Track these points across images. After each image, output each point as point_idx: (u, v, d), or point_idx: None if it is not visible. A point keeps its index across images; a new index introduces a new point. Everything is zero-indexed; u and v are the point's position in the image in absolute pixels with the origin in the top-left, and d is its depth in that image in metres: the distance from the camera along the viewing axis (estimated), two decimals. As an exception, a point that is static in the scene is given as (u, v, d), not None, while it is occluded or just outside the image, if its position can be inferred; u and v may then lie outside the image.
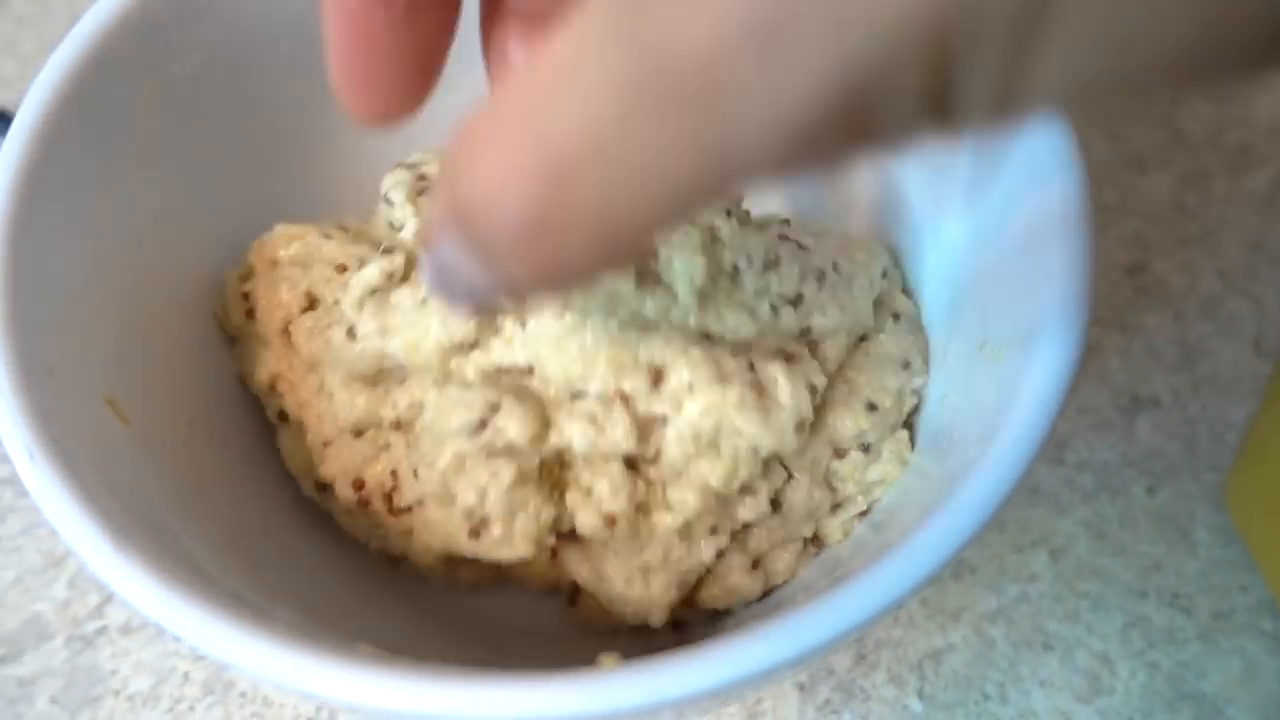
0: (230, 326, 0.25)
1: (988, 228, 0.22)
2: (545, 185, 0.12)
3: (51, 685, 0.28)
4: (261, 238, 0.25)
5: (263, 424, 0.26)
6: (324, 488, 0.23)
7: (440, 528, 0.21)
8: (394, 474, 0.22)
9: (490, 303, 0.15)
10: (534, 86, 0.13)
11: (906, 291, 0.25)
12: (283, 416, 0.24)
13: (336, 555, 0.24)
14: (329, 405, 0.23)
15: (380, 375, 0.23)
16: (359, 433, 0.23)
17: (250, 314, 0.24)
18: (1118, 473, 0.30)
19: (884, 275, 0.25)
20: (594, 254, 0.13)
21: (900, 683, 0.27)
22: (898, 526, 0.20)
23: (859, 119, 0.11)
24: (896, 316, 0.25)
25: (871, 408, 0.23)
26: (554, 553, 0.23)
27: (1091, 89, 0.11)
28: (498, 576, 0.24)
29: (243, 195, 0.26)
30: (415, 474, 0.22)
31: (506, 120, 0.13)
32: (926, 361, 0.24)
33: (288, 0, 0.25)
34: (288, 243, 0.24)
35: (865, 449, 0.23)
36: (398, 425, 0.23)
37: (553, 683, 0.15)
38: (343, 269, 0.24)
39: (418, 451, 0.22)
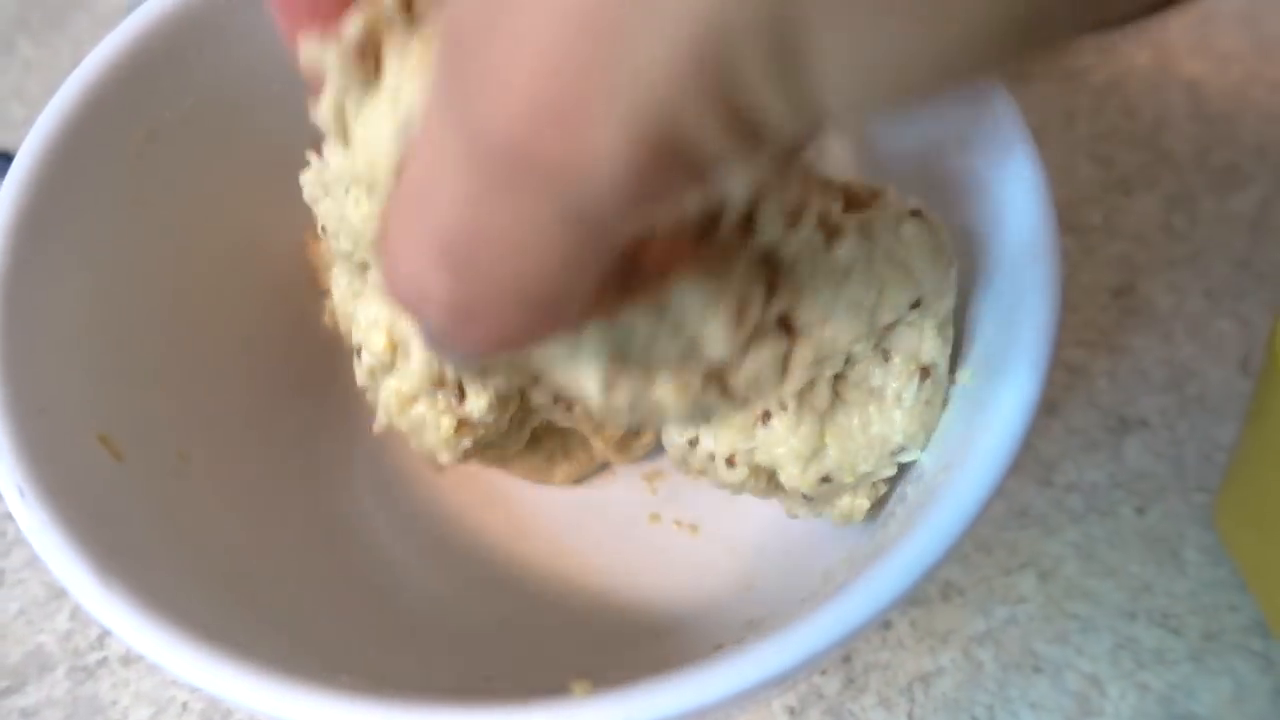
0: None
1: (966, 255, 0.22)
2: (451, 274, 0.13)
3: (53, 716, 0.29)
4: None
5: (257, 454, 0.26)
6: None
7: None
8: None
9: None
10: (414, 179, 0.14)
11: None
12: None
13: (326, 585, 0.24)
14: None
15: None
16: None
17: None
18: (1106, 494, 0.30)
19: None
20: (526, 324, 0.14)
21: (890, 705, 0.27)
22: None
23: (675, 159, 0.12)
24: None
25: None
26: None
27: (878, 92, 0.11)
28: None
29: (235, 234, 0.26)
30: None
31: (405, 214, 0.14)
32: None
33: (275, 42, 0.26)
34: None
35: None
36: None
37: (526, 711, 0.16)
38: None
39: None
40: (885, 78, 0.11)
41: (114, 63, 0.23)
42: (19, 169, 0.22)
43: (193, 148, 0.25)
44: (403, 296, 0.14)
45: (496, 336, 0.14)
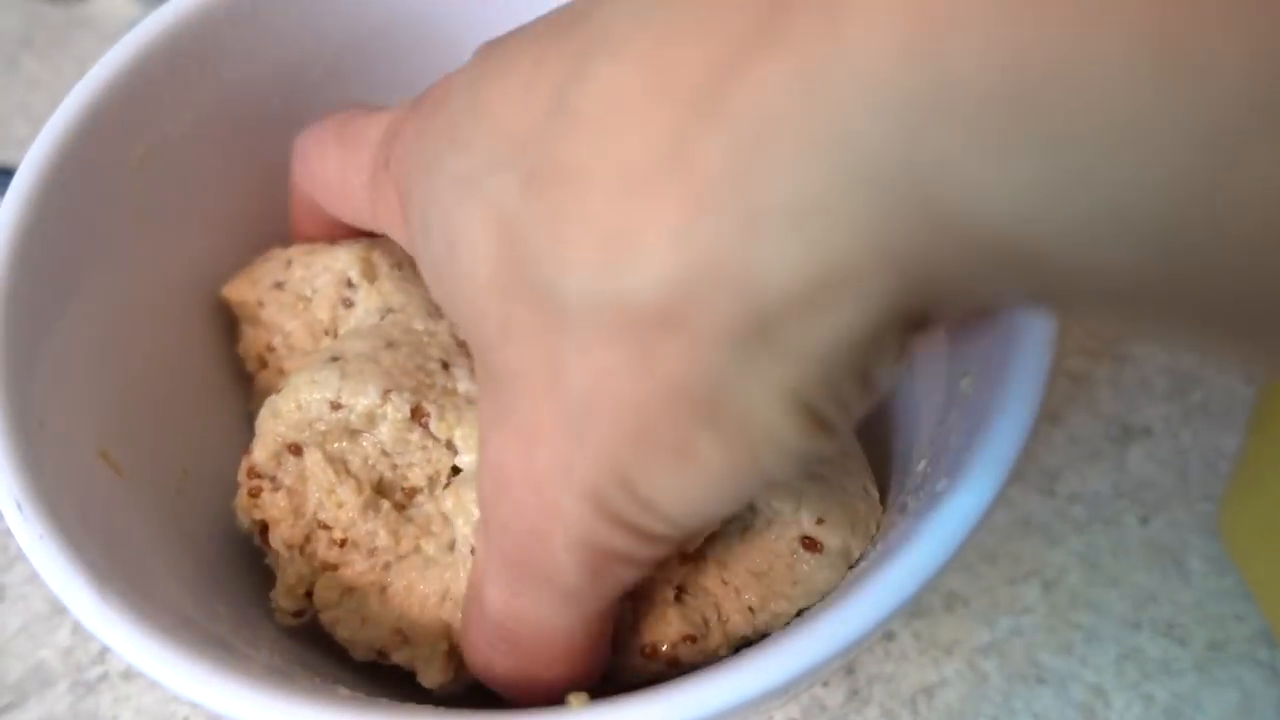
0: None
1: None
2: (502, 653, 0.19)
3: (55, 732, 0.28)
4: None
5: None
6: None
7: None
8: None
9: None
10: (474, 583, 0.20)
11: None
12: None
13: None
14: None
15: None
16: None
17: None
18: (1110, 503, 0.30)
19: None
20: (559, 680, 0.19)
21: (893, 717, 0.27)
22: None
23: (611, 558, 0.17)
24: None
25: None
26: None
27: (705, 518, 0.17)
28: None
29: (238, 251, 0.27)
30: None
31: (469, 612, 0.20)
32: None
33: (277, 58, 0.26)
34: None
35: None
36: None
37: (523, 723, 0.16)
38: None
39: None
40: (700, 501, 0.16)
41: (115, 79, 0.23)
42: (20, 184, 0.22)
43: (193, 164, 0.25)
44: (479, 674, 0.20)
45: (539, 691, 0.20)
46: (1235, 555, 0.28)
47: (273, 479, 0.22)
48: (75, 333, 0.22)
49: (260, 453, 0.22)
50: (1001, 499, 0.30)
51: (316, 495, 0.21)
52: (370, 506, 0.21)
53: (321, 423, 0.21)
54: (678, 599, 0.21)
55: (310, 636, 0.22)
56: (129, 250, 0.24)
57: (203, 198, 0.25)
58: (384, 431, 0.21)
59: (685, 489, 0.15)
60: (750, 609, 0.21)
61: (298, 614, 0.22)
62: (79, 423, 0.21)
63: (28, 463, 0.19)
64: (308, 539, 0.22)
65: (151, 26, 0.24)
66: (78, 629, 0.30)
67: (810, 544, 0.21)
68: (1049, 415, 0.32)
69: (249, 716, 0.16)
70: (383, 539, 0.21)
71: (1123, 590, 0.29)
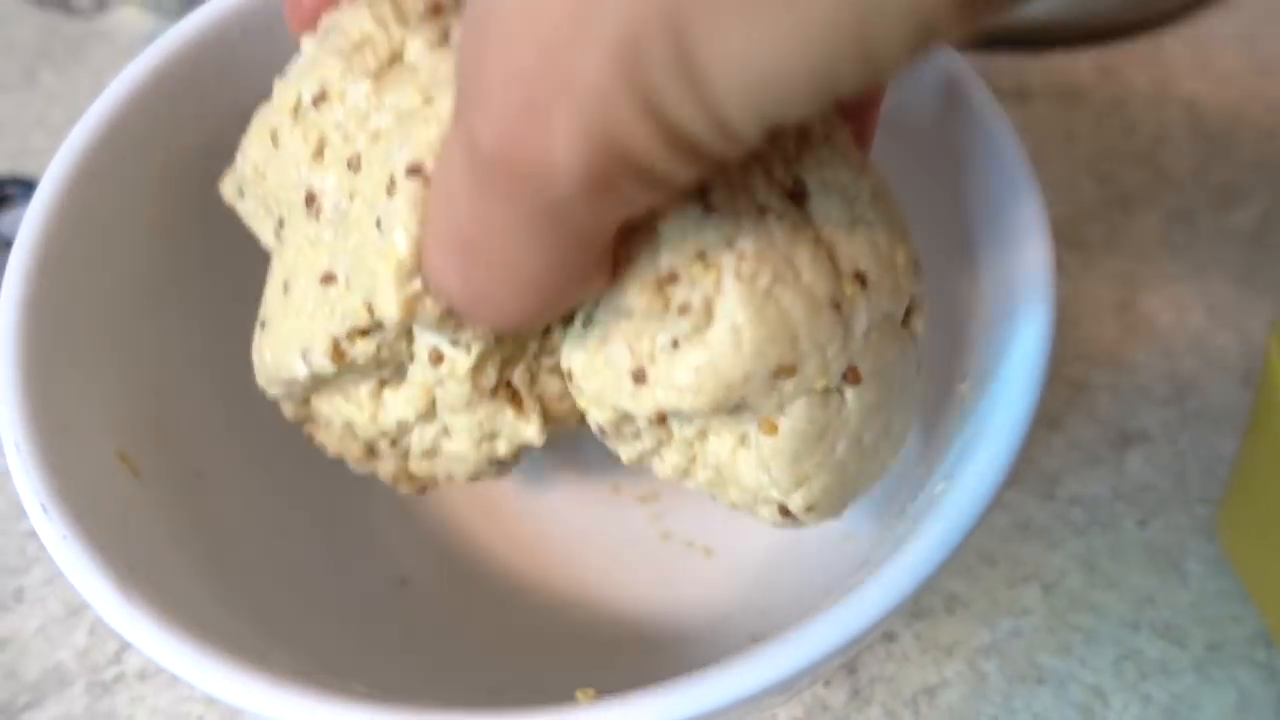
0: None
1: (965, 270, 0.23)
2: (460, 267, 0.16)
3: (72, 731, 0.29)
4: None
5: (270, 471, 0.27)
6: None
7: None
8: None
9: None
10: (438, 183, 0.16)
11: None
12: None
13: (339, 598, 0.25)
14: None
15: None
16: None
17: None
18: (1108, 506, 0.30)
19: None
20: (522, 308, 0.16)
21: (895, 717, 0.28)
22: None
23: (625, 165, 0.13)
24: None
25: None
26: None
27: (770, 98, 0.12)
28: None
29: (252, 257, 0.27)
30: None
31: (432, 214, 0.17)
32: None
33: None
34: None
35: None
36: None
37: (532, 718, 0.16)
38: None
39: None
40: (772, 84, 0.12)
41: (136, 90, 0.24)
42: (43, 193, 0.22)
43: (211, 173, 0.26)
44: (431, 285, 0.17)
45: (500, 318, 0.17)
46: (1233, 558, 0.29)
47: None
48: (94, 338, 0.23)
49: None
50: (1001, 502, 0.30)
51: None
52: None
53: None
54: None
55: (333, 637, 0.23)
56: (147, 257, 0.24)
57: (220, 206, 0.26)
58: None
59: (760, 57, 0.12)
60: None
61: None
62: (98, 425, 0.22)
63: (52, 465, 0.19)
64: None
65: (171, 40, 0.25)
66: (95, 630, 0.31)
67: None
68: (1048, 420, 0.32)
69: (268, 713, 0.16)
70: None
71: (1121, 592, 0.29)
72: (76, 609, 0.31)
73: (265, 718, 0.17)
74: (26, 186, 0.38)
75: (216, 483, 0.26)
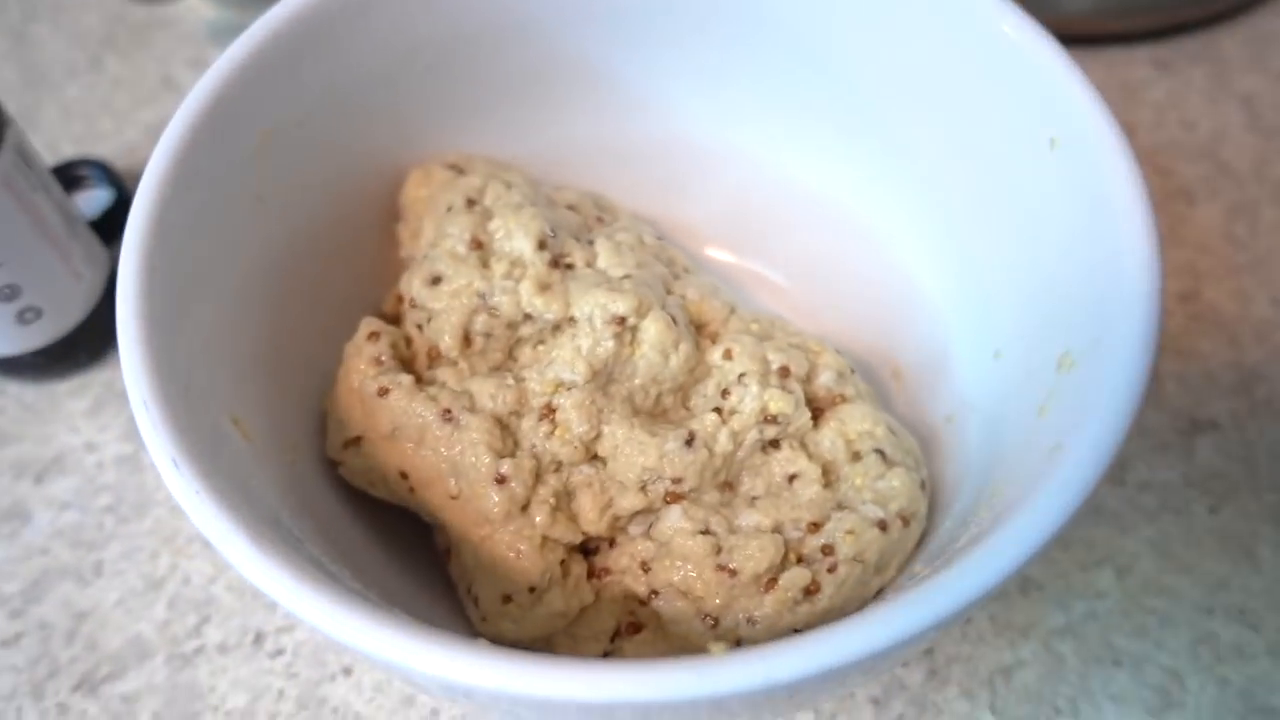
0: None
1: (1051, 244, 0.23)
2: None
3: (153, 702, 0.29)
4: None
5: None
6: None
7: None
8: None
9: None
10: None
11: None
12: None
13: (403, 559, 0.25)
14: None
15: None
16: None
17: None
18: (1179, 492, 0.31)
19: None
20: None
21: (972, 697, 0.28)
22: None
23: None
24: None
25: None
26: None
27: None
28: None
29: (349, 230, 0.28)
30: None
31: None
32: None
33: (383, 52, 0.27)
34: None
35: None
36: None
37: (666, 668, 0.16)
38: None
39: None
40: None
41: (236, 69, 0.24)
42: (153, 169, 0.23)
43: (307, 148, 0.26)
44: None
45: None
46: None
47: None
48: (206, 306, 0.23)
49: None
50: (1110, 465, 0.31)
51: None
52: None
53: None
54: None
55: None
56: (251, 229, 0.25)
57: (317, 178, 0.27)
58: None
59: None
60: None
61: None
62: (214, 390, 0.22)
63: (180, 424, 0.20)
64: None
65: (269, 21, 0.25)
66: (174, 604, 0.31)
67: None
68: (1118, 407, 0.32)
69: (411, 662, 0.17)
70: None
71: (1195, 577, 0.29)
72: (156, 582, 0.31)
73: (401, 665, 0.17)
74: (96, 168, 0.39)
75: (310, 458, 0.26)
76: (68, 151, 0.41)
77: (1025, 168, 0.24)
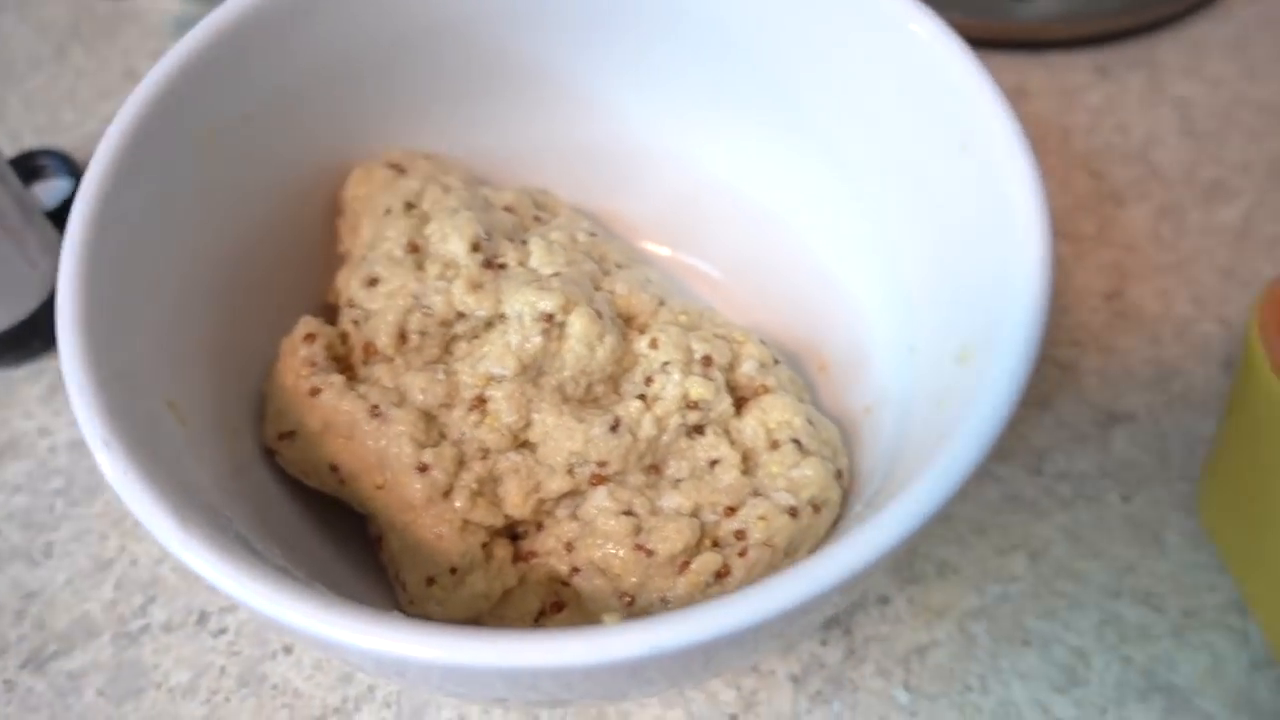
0: None
1: (953, 244, 0.24)
2: None
3: (98, 679, 0.30)
4: None
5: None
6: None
7: None
8: None
9: None
10: None
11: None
12: None
13: (339, 544, 0.27)
14: None
15: None
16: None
17: None
18: (1094, 482, 0.32)
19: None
20: None
21: (887, 675, 0.29)
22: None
23: None
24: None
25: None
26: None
27: None
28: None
29: (293, 224, 0.29)
30: None
31: None
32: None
33: (330, 50, 0.28)
34: None
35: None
36: None
37: (559, 637, 0.18)
38: None
39: None
40: None
41: (185, 64, 0.25)
42: (98, 161, 0.24)
43: (252, 144, 0.27)
44: None
45: None
46: (1211, 531, 0.30)
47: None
48: (147, 295, 0.24)
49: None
50: (992, 476, 0.32)
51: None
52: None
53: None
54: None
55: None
56: (195, 223, 0.26)
57: (261, 174, 0.27)
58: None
59: None
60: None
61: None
62: (152, 376, 0.23)
63: (110, 407, 0.20)
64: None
65: (213, 20, 0.26)
66: (121, 584, 0.32)
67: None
68: (1039, 400, 0.34)
69: (330, 635, 0.18)
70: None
71: (1104, 561, 0.31)
72: (104, 564, 0.32)
73: (321, 637, 0.18)
74: (56, 159, 0.40)
75: (249, 442, 0.27)
76: (30, 142, 0.42)
77: (939, 171, 0.25)
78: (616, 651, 0.17)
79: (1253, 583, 0.29)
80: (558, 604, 0.26)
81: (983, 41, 0.42)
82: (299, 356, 0.26)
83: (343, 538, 0.28)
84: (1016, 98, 0.41)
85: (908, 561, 0.31)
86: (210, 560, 0.19)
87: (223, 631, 0.31)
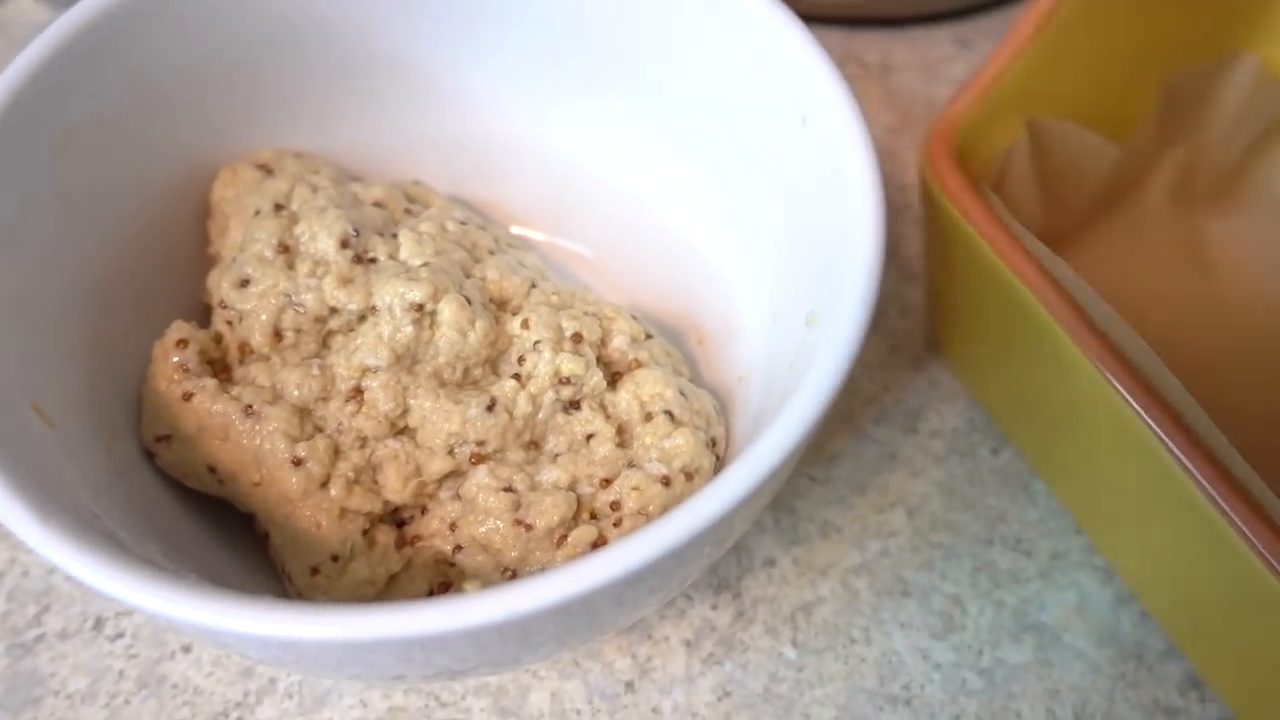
0: None
1: (801, 213, 0.26)
2: None
3: (-6, 692, 0.30)
4: None
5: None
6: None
7: None
8: None
9: None
10: None
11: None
12: None
13: (231, 544, 0.27)
14: None
15: None
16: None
17: None
18: (965, 437, 0.34)
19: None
20: None
21: (775, 634, 0.30)
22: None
23: None
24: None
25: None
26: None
27: None
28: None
29: (153, 230, 0.29)
30: None
31: None
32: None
33: (187, 51, 0.28)
34: None
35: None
36: None
37: (425, 606, 0.18)
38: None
39: None
40: None
41: (35, 69, 0.25)
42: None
43: (111, 146, 0.27)
44: None
45: None
46: (960, 379, 0.33)
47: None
48: (3, 302, 0.24)
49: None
50: (870, 437, 0.33)
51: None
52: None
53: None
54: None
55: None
56: (54, 228, 0.26)
57: (119, 179, 0.28)
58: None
59: None
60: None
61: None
62: (15, 379, 0.23)
63: (-32, 411, 0.21)
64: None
65: (68, 21, 0.26)
66: (13, 595, 0.32)
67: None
68: (913, 362, 0.35)
69: (197, 619, 0.18)
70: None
71: (977, 512, 0.32)
72: (-5, 576, 0.32)
73: (187, 621, 0.18)
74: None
75: (130, 443, 0.27)
76: (-101, 156, 0.41)
77: (784, 144, 0.26)
78: (471, 617, 0.18)
79: (1000, 409, 0.32)
80: (445, 584, 0.26)
81: (847, 20, 0.43)
82: (171, 362, 0.27)
83: (234, 538, 0.28)
84: (882, 73, 0.42)
85: (791, 524, 0.32)
86: (70, 553, 0.19)
87: (120, 635, 0.31)
